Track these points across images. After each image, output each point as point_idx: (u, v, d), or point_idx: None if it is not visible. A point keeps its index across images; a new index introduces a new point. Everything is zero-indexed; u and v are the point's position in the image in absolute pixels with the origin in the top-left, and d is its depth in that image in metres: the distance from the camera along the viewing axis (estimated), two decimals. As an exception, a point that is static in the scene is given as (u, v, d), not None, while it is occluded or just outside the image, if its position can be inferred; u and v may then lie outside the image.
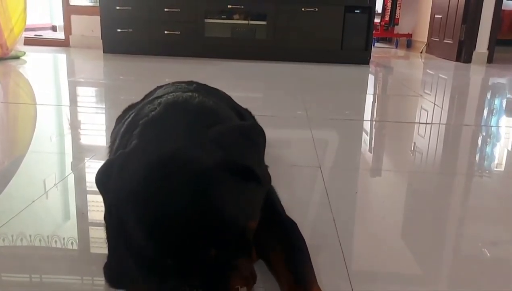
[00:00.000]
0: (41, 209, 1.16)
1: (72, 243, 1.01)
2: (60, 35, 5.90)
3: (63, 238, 1.02)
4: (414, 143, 2.01)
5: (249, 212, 0.79)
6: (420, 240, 1.09)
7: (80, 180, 1.37)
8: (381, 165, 1.72)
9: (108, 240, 0.88)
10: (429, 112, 2.63)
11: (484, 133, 2.17)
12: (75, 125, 2.03)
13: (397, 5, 7.11)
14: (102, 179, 0.83)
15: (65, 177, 1.39)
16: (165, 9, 4.70)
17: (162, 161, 0.78)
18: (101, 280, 0.83)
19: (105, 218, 0.91)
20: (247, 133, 0.90)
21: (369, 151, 1.87)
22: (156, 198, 0.73)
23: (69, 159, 1.60)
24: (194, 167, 0.77)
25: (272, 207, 0.95)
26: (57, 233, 1.05)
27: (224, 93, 1.50)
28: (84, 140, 1.86)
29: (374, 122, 2.41)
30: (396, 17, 7.19)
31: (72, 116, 2.15)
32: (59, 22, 6.20)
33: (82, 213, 1.15)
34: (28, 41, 4.88)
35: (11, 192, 1.29)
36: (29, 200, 1.18)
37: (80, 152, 1.68)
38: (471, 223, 1.18)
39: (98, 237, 1.00)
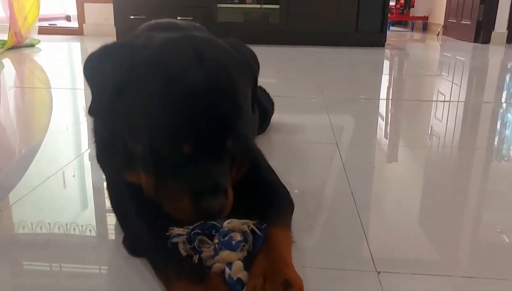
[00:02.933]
0: (59, 183, 1.17)
1: (89, 228, 1.01)
2: (74, 24, 5.92)
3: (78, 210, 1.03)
4: (432, 120, 1.97)
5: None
6: (437, 218, 1.06)
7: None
8: (399, 141, 1.69)
9: (116, 214, 0.87)
10: (448, 91, 2.58)
11: (505, 111, 2.12)
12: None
13: (413, -13, 6.99)
14: (94, 64, 0.77)
15: (81, 153, 1.39)
16: (178, -5, 4.68)
17: (178, 39, 0.76)
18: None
19: (107, 188, 0.91)
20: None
21: (386, 128, 1.84)
22: (179, 70, 0.70)
23: (85, 137, 1.60)
24: (219, 50, 0.77)
25: (260, 174, 0.92)
26: (73, 206, 1.07)
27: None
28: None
29: (391, 101, 2.37)
30: (411, -1, 7.06)
31: (87, 98, 2.15)
32: (73, 12, 6.21)
33: (97, 188, 1.15)
34: (42, 30, 4.89)
35: (33, 168, 1.29)
36: (45, 176, 1.19)
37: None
38: (489, 206, 1.14)
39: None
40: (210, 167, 0.70)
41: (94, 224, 0.96)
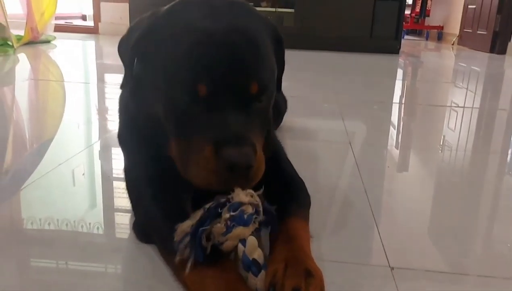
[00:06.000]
0: (68, 170, 1.16)
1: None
2: (89, 23, 5.97)
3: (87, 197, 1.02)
4: (446, 125, 1.94)
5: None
6: (451, 218, 1.04)
7: (106, 147, 1.36)
8: (412, 143, 1.66)
9: (130, 197, 0.85)
10: (462, 98, 2.54)
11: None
12: (102, 100, 2.03)
13: (429, -4, 6.95)
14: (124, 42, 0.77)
15: (91, 144, 1.39)
16: (193, -4, 4.69)
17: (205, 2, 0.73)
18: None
19: (125, 170, 0.88)
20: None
21: (400, 131, 1.81)
22: (193, 18, 0.69)
23: (96, 129, 1.59)
24: (247, 10, 0.76)
25: (280, 164, 0.89)
26: (82, 193, 1.06)
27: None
28: (111, 113, 1.86)
29: (404, 105, 2.34)
30: (427, 8, 7.02)
31: (100, 92, 2.16)
32: (89, 11, 6.27)
33: (107, 176, 1.14)
34: (58, 28, 4.94)
35: (45, 155, 1.30)
36: (57, 162, 1.18)
37: (106, 124, 1.67)
38: (505, 206, 1.11)
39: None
40: (233, 116, 0.65)
41: (102, 221, 0.92)
